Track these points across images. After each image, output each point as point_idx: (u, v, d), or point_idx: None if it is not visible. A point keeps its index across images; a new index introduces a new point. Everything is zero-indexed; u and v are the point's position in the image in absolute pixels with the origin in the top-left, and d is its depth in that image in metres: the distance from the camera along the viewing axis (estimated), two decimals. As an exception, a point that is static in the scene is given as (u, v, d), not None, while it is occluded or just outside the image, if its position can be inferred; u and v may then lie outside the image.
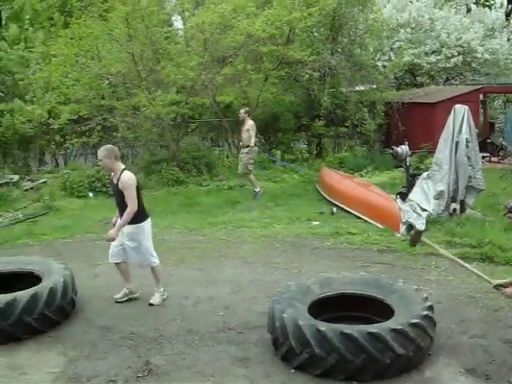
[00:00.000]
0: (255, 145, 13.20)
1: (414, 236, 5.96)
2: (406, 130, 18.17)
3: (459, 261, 5.99)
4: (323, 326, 5.15)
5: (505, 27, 25.67)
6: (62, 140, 17.17)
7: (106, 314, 6.77)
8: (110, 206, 12.96)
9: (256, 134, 13.66)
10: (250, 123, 12.99)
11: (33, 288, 6.32)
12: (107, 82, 16.12)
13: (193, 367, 5.44)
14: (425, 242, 5.95)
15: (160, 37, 15.86)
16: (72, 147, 17.53)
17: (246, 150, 12.91)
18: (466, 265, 5.96)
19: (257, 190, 13.42)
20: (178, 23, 22.79)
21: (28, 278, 6.79)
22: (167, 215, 12.10)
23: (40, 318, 6.17)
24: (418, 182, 11.22)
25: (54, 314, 6.34)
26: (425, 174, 11.23)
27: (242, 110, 13.34)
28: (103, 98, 16.27)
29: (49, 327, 6.30)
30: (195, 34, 16.22)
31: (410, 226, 9.99)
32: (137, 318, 6.60)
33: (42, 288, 6.33)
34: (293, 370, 5.26)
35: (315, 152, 19.62)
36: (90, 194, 14.38)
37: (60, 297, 6.39)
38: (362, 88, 19.77)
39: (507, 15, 28.21)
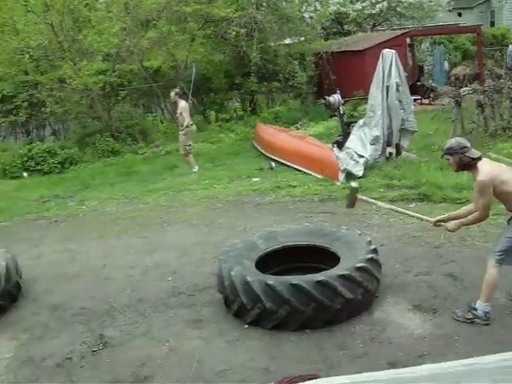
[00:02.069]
0: (190, 124, 12.46)
1: (350, 196, 5.92)
2: (337, 79, 18.20)
3: (398, 209, 6.10)
4: (271, 280, 5.19)
5: (427, -30, 25.99)
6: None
7: (54, 292, 6.62)
8: (47, 184, 12.75)
9: (190, 110, 13.04)
10: (181, 105, 12.19)
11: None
12: (28, 56, 15.50)
13: (147, 334, 5.42)
14: (361, 199, 5.98)
15: (79, 4, 15.33)
16: (-1, 128, 16.94)
17: (183, 131, 12.36)
18: (404, 211, 6.08)
19: (194, 169, 12.49)
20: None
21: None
22: (106, 187, 11.93)
23: (-13, 305, 5.98)
24: (355, 130, 11.29)
25: (1, 299, 6.11)
26: (361, 121, 11.31)
27: (172, 93, 12.53)
28: (27, 74, 15.73)
29: (-3, 313, 6.12)
30: (114, -2, 15.78)
31: (349, 174, 10.14)
32: (86, 293, 6.48)
33: (-15, 275, 6.11)
34: (246, 326, 5.31)
35: (249, 109, 19.51)
36: (25, 174, 13.99)
37: (4, 281, 6.15)
38: (290, 41, 19.70)
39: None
